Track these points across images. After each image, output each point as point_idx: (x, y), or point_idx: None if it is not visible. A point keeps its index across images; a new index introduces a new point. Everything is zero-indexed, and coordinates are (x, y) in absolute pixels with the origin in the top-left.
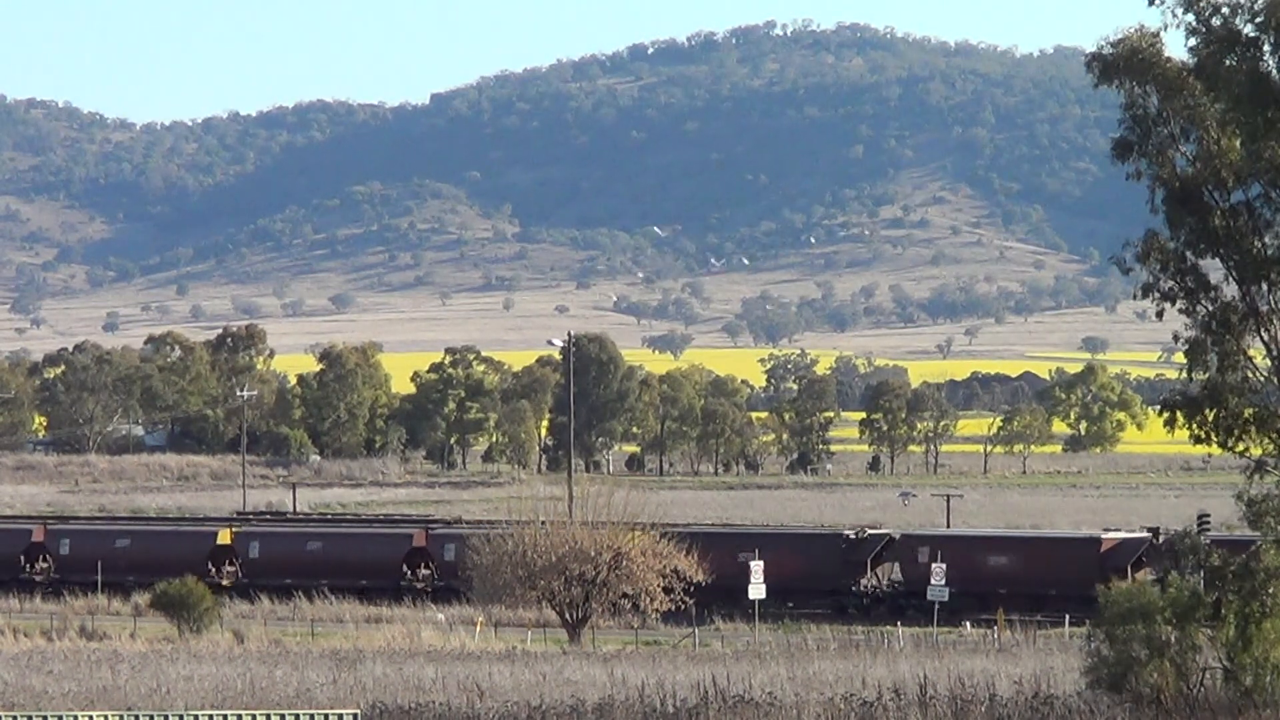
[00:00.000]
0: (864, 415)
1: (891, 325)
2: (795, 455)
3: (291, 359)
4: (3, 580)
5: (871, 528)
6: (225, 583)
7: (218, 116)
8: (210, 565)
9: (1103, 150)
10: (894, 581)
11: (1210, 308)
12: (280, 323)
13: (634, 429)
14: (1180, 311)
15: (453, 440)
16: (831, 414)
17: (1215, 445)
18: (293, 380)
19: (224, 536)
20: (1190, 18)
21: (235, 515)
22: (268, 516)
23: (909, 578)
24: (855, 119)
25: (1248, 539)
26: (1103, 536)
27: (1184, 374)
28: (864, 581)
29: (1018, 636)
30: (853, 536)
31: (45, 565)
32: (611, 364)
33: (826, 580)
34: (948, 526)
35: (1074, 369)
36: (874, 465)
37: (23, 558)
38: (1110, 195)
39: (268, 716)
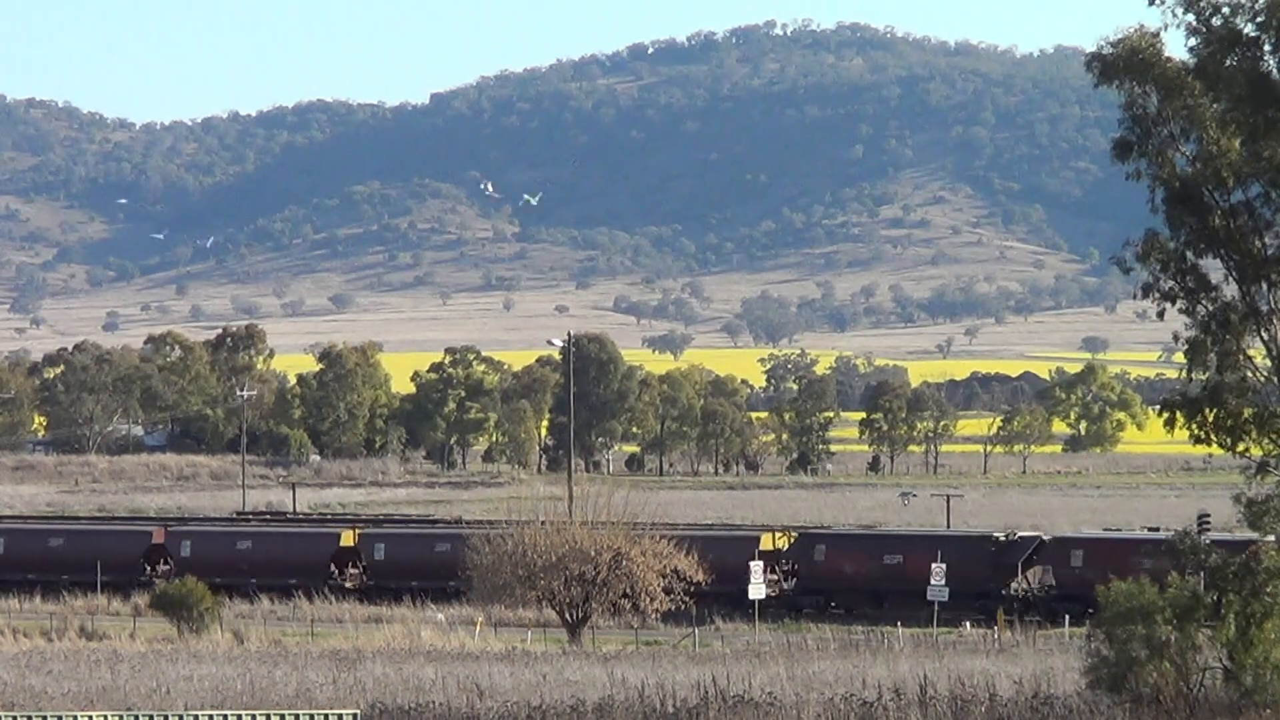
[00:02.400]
0: (864, 415)
1: (891, 325)
2: (795, 455)
3: (291, 359)
4: (124, 583)
5: (1022, 530)
6: (349, 585)
7: (218, 116)
8: (333, 567)
9: (1103, 150)
10: (1045, 585)
11: (1210, 308)
12: (280, 323)
13: (634, 429)
14: (1180, 311)
15: (453, 440)
16: (831, 414)
17: (1215, 445)
18: (292, 380)
19: (348, 538)
20: (1190, 18)
21: (359, 516)
22: (396, 519)
23: (1061, 581)
24: (855, 119)
25: (1247, 539)
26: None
27: (1184, 374)
28: (1014, 585)
29: (1018, 636)
30: (1002, 539)
31: (166, 568)
32: (611, 364)
33: (975, 584)
34: (948, 527)
35: (1074, 369)
36: (874, 465)
37: (144, 560)
38: (1110, 195)
39: (268, 716)
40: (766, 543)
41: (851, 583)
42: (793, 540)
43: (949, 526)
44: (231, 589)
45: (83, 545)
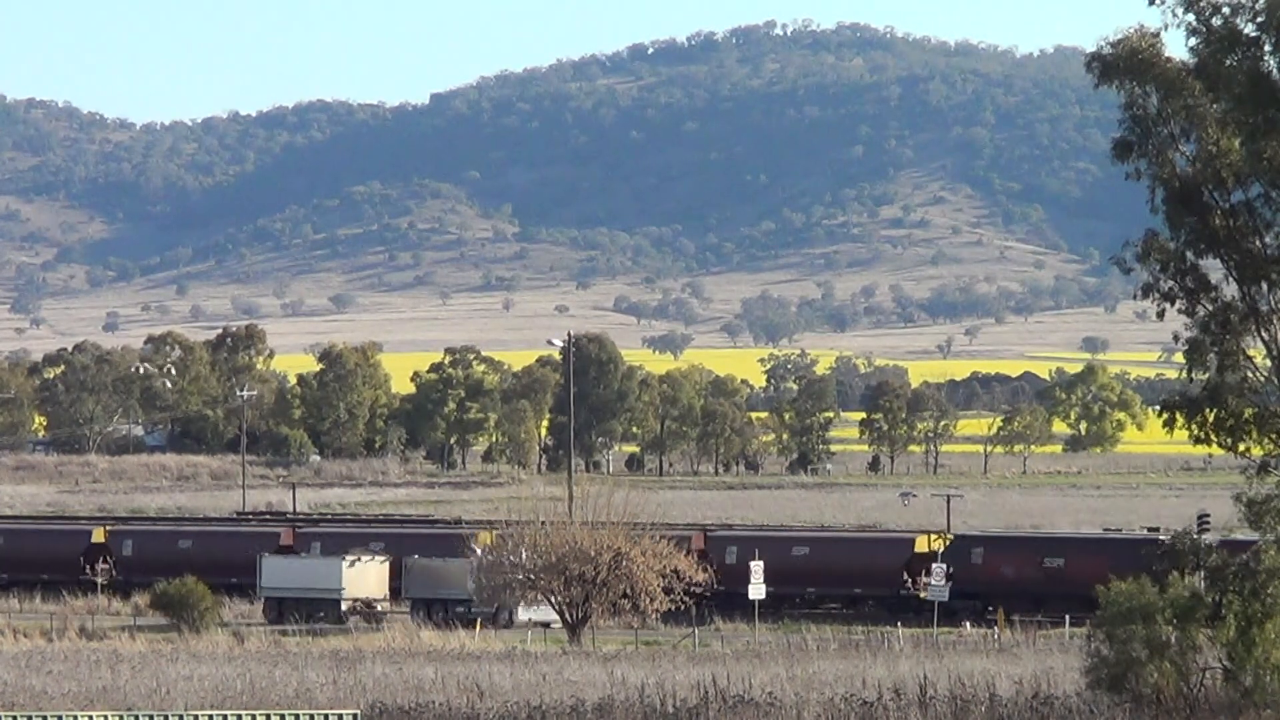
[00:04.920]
0: (864, 415)
1: (891, 325)
2: (795, 455)
3: (291, 359)
4: (246, 586)
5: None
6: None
7: (218, 116)
8: None
9: (1103, 150)
10: None
11: (1210, 308)
12: (280, 323)
13: (634, 429)
14: (1180, 311)
15: (453, 440)
16: (831, 414)
17: (1215, 445)
18: (293, 380)
19: (484, 539)
20: (1190, 18)
21: (496, 521)
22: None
23: None
24: (855, 119)
25: (1247, 540)
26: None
27: (1184, 374)
28: None
29: (1018, 636)
30: (1169, 541)
31: None
32: (611, 364)
33: None
34: (948, 527)
35: (1074, 369)
36: (874, 465)
37: None
38: (1110, 195)
39: (268, 716)
40: (922, 545)
41: (1011, 586)
42: (948, 542)
43: (949, 527)
44: None
45: (213, 546)
